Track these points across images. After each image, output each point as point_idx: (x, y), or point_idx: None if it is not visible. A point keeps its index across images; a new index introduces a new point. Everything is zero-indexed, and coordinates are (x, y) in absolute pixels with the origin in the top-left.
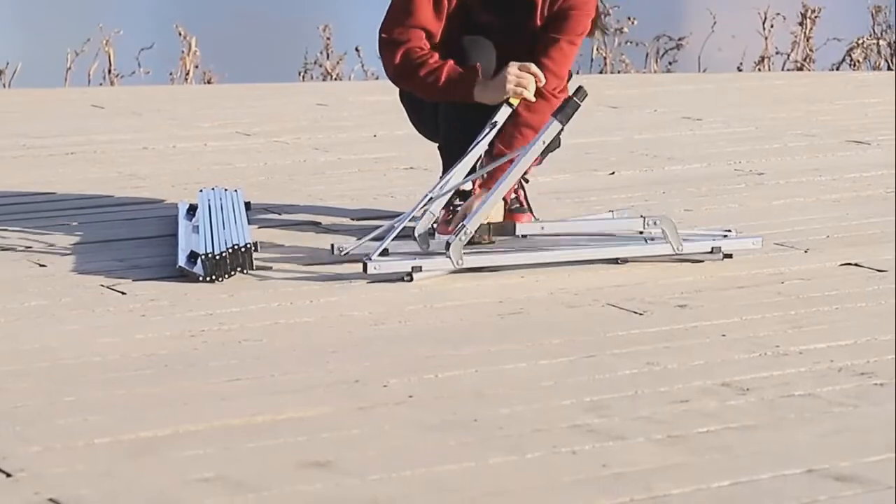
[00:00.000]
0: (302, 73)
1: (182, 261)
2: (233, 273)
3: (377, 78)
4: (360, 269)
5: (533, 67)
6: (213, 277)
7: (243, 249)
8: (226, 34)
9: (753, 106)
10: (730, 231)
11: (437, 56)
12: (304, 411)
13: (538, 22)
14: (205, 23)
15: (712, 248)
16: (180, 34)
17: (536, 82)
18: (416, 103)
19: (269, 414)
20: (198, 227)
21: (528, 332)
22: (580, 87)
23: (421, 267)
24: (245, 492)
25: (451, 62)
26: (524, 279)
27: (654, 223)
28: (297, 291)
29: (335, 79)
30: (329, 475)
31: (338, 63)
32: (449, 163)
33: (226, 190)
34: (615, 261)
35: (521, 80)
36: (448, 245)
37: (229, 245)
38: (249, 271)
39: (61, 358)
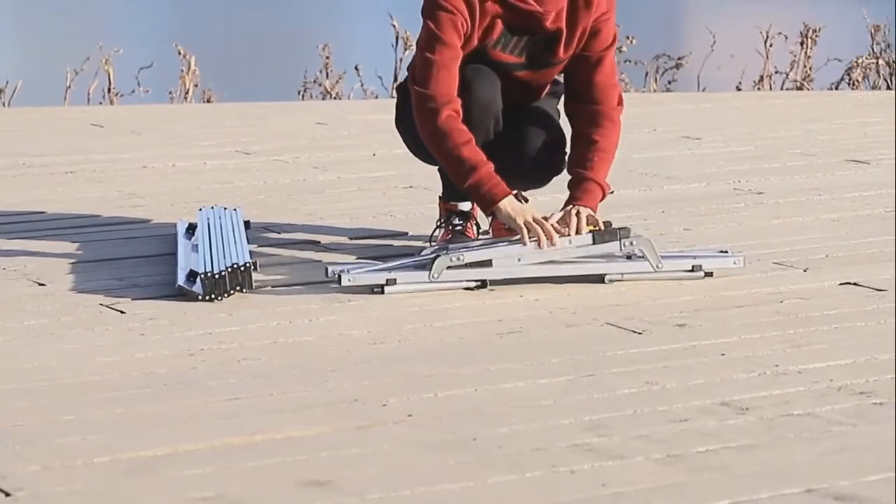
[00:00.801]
0: (301, 92)
1: (181, 280)
2: (232, 292)
3: (376, 97)
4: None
5: (549, 227)
6: (213, 296)
7: (242, 269)
8: (225, 53)
9: (753, 125)
10: (726, 252)
11: (474, 140)
12: (303, 430)
13: (561, 55)
14: (204, 42)
15: (693, 267)
16: (180, 53)
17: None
18: (416, 131)
19: (268, 433)
20: (197, 245)
21: (527, 351)
22: (626, 228)
23: (395, 280)
24: None
25: (491, 166)
26: (523, 298)
27: (632, 243)
28: (296, 310)
29: (334, 98)
30: (328, 494)
31: (337, 82)
32: (449, 184)
33: (225, 209)
34: (601, 279)
35: (534, 231)
36: (433, 260)
37: (229, 264)
38: (248, 290)
39: (60, 377)
